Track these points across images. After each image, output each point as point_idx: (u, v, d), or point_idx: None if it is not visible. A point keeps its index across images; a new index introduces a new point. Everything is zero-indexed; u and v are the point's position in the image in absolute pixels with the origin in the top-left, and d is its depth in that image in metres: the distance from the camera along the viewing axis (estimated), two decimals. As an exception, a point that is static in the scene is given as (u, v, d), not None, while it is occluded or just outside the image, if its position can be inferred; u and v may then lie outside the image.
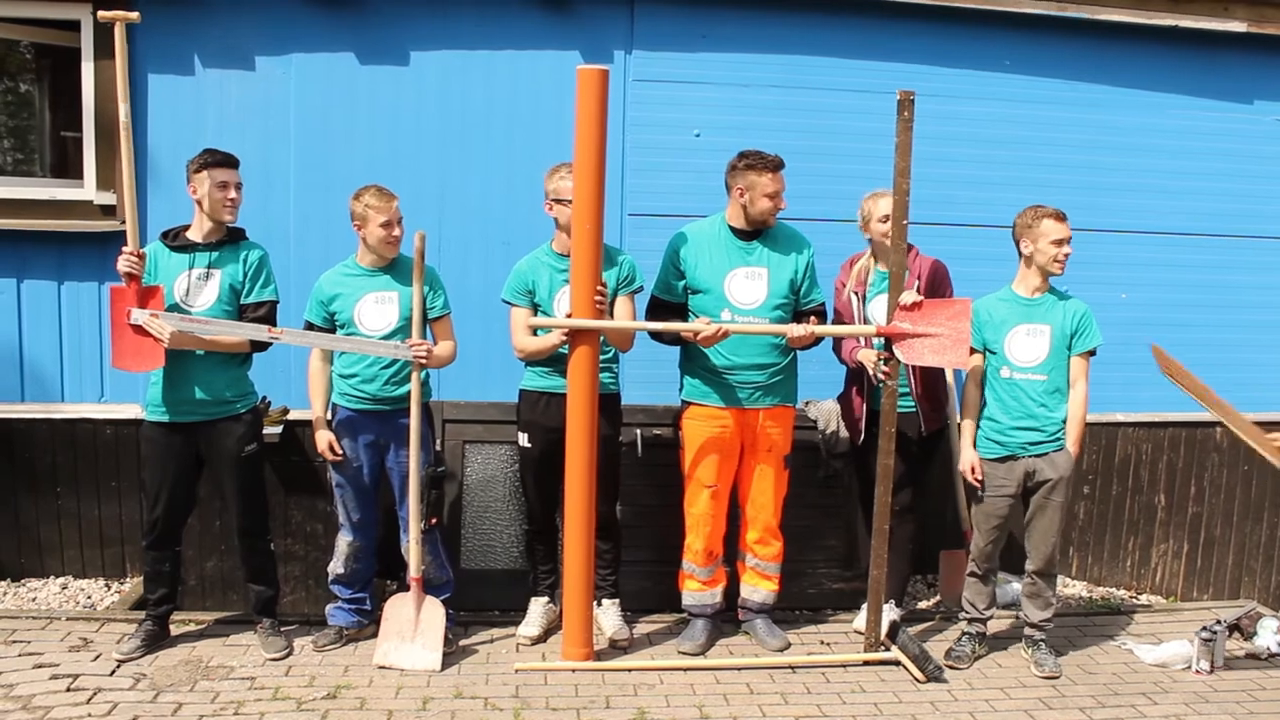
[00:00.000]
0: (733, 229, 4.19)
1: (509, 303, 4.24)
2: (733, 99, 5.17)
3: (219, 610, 4.67)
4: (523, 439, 4.32)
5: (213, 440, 4.03)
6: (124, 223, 3.91)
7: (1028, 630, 4.28)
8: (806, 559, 4.79)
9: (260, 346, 4.05)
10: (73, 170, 5.13)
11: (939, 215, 5.10)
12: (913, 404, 4.30)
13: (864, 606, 4.28)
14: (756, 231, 4.18)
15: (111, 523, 5.10)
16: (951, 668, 4.17)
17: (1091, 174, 5.41)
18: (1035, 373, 4.07)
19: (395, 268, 4.13)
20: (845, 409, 4.54)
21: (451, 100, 5.08)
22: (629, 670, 4.08)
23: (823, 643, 4.42)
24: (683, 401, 4.30)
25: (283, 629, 4.25)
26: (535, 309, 4.20)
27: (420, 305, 4.02)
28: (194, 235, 4.00)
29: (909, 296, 3.98)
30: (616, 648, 4.27)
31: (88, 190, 4.96)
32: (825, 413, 4.73)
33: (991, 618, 4.34)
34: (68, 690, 3.75)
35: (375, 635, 4.14)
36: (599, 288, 3.95)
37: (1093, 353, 4.11)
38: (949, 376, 4.65)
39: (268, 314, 4.04)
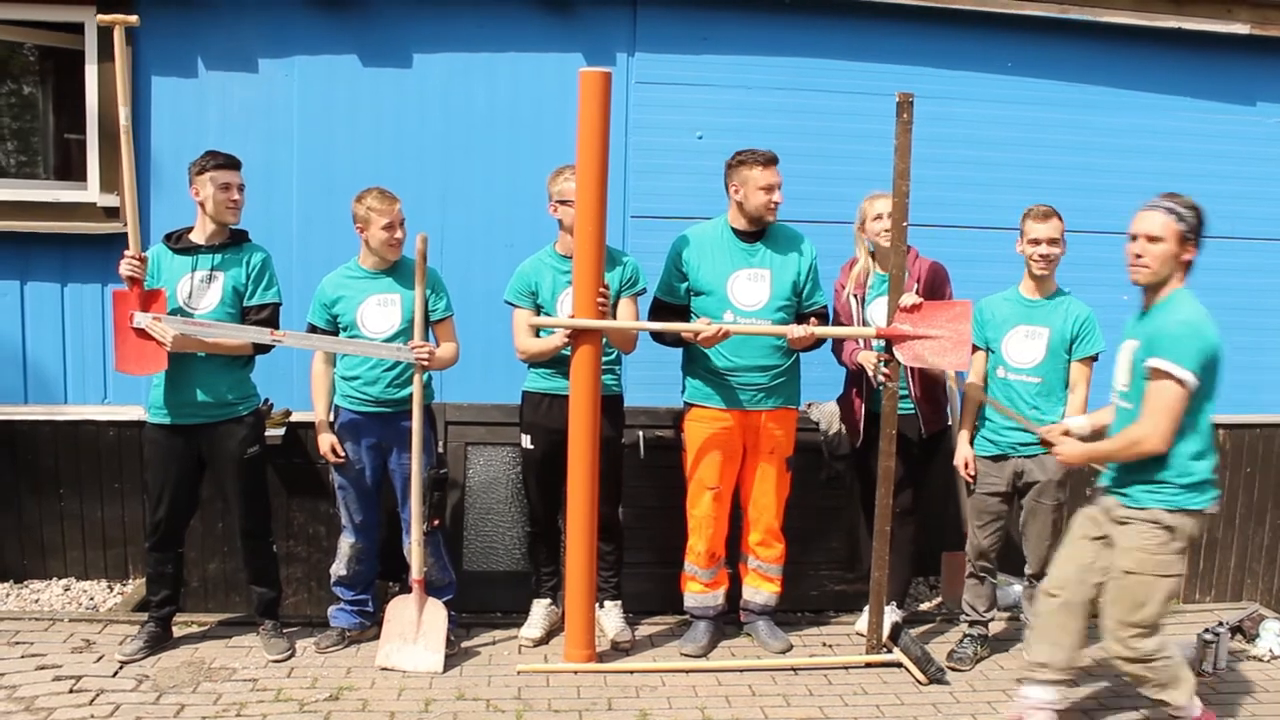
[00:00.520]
0: (735, 231, 4.19)
1: (512, 304, 4.24)
2: (735, 101, 5.17)
3: (221, 612, 4.68)
4: (525, 441, 4.32)
5: (215, 442, 4.04)
6: (126, 226, 3.91)
7: (1028, 632, 4.28)
8: (808, 561, 4.79)
9: (263, 349, 4.05)
10: (76, 172, 5.14)
11: (939, 216, 5.10)
12: (912, 406, 4.30)
13: (866, 608, 4.28)
14: (759, 233, 4.19)
15: (114, 524, 5.11)
16: (953, 669, 4.17)
17: (1093, 176, 5.40)
18: (1029, 374, 4.08)
19: (398, 270, 4.14)
20: (845, 411, 4.54)
21: (454, 102, 5.09)
22: (631, 672, 4.08)
23: (825, 644, 4.43)
24: (685, 403, 4.31)
25: (285, 631, 4.25)
26: (538, 310, 4.20)
27: (422, 308, 4.03)
28: (197, 237, 4.00)
29: (909, 298, 3.99)
30: (618, 649, 4.27)
31: (91, 192, 4.97)
32: (827, 415, 4.72)
33: (992, 619, 4.35)
34: (70, 692, 3.75)
35: (377, 637, 4.14)
36: (601, 289, 3.95)
37: (1094, 359, 4.09)
38: (950, 378, 4.64)
39: (270, 316, 4.05)
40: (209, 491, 4.30)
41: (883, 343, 4.05)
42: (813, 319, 4.16)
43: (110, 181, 4.91)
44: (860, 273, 4.37)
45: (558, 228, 4.22)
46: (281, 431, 4.84)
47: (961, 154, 5.26)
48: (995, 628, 4.43)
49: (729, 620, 4.47)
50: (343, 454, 4.14)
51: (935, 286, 4.25)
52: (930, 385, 4.40)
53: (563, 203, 4.09)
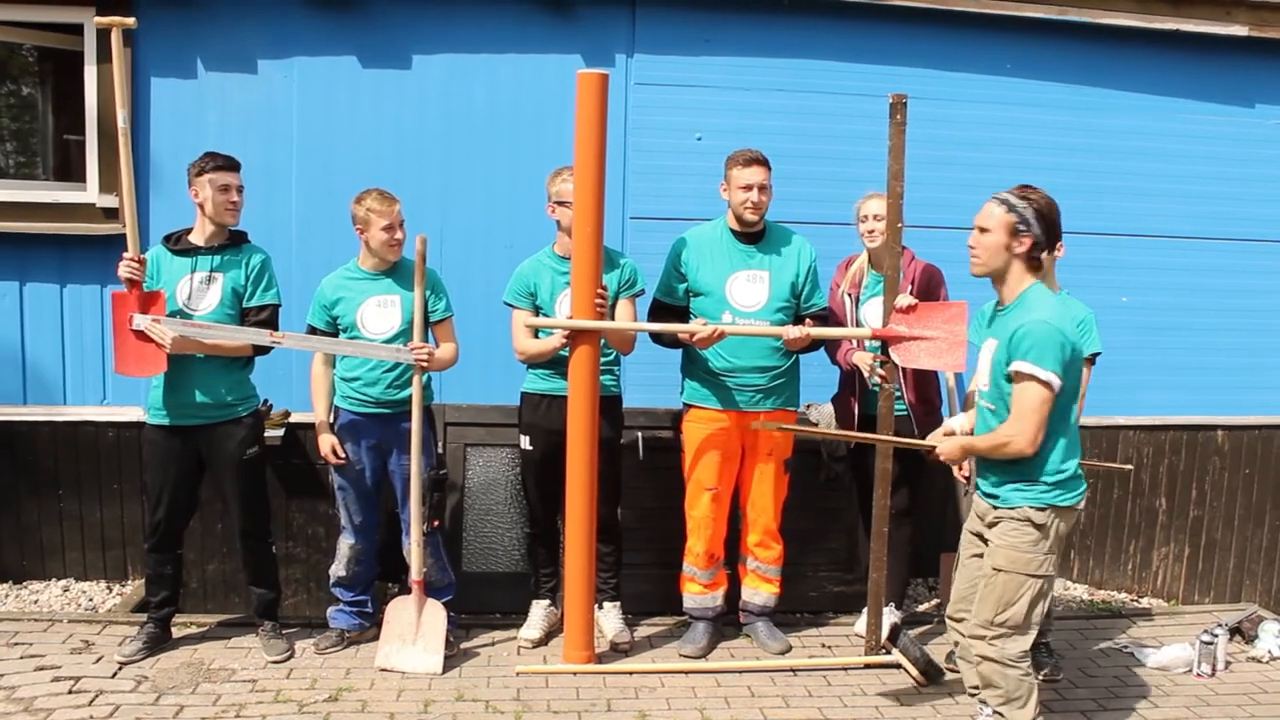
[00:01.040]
0: (734, 232, 4.20)
1: (510, 305, 4.25)
2: (734, 102, 5.18)
3: (220, 613, 4.68)
4: (524, 442, 4.32)
5: (214, 443, 4.04)
6: (125, 227, 3.91)
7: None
8: (807, 562, 4.79)
9: (262, 350, 4.06)
10: (75, 173, 5.14)
11: (939, 218, 5.09)
12: (905, 408, 4.29)
13: (865, 609, 4.29)
14: (758, 235, 4.19)
15: (113, 525, 5.11)
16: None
17: (1093, 178, 5.41)
18: None
19: (397, 271, 4.14)
20: (839, 412, 4.54)
21: (454, 103, 5.09)
22: (630, 673, 4.08)
23: (824, 645, 4.43)
24: (684, 404, 4.31)
25: (284, 631, 4.25)
26: (537, 311, 4.20)
27: (422, 309, 4.03)
28: (196, 239, 4.01)
29: (904, 299, 3.99)
30: (618, 650, 4.27)
31: (90, 193, 4.97)
32: (826, 416, 4.73)
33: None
34: (70, 692, 3.75)
35: (377, 638, 4.14)
36: (599, 290, 3.96)
37: (1091, 360, 4.08)
38: (950, 380, 4.64)
39: (270, 318, 4.05)
40: (208, 492, 4.30)
41: (878, 344, 4.05)
42: (809, 320, 4.16)
43: (109, 183, 4.92)
44: (856, 272, 4.37)
45: (556, 229, 4.22)
46: (281, 432, 4.84)
47: (961, 155, 5.26)
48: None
49: (728, 621, 4.47)
50: (342, 455, 4.14)
51: (930, 289, 4.25)
52: (924, 386, 4.40)
53: (561, 204, 4.10)
